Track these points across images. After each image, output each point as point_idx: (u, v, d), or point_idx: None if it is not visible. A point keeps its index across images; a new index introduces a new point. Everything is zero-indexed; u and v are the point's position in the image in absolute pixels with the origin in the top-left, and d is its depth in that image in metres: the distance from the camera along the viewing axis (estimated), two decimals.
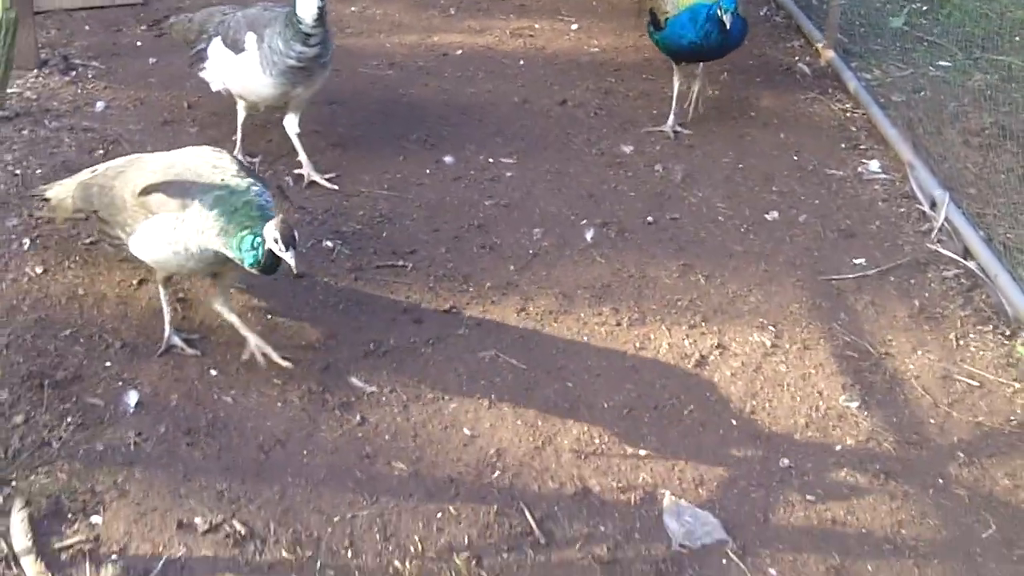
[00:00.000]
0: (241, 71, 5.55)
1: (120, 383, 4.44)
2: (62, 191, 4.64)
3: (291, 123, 5.73)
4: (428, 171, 5.86)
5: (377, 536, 3.95)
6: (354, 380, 4.47)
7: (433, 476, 4.09)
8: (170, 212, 4.18)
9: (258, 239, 4.11)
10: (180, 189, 4.24)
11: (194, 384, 4.45)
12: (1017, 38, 7.05)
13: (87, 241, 5.01)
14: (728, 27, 5.68)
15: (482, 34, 7.50)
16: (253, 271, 4.18)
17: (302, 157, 5.74)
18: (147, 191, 4.24)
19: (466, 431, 4.34)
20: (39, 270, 4.91)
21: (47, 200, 4.72)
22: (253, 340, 4.45)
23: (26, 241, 5.02)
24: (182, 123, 6.10)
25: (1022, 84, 6.59)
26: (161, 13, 6.93)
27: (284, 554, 3.84)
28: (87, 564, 3.77)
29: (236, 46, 5.54)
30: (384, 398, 4.42)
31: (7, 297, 4.75)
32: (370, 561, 3.85)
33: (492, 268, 5.20)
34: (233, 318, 4.49)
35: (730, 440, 4.44)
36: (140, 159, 4.51)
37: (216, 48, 5.67)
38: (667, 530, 4.08)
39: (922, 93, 6.64)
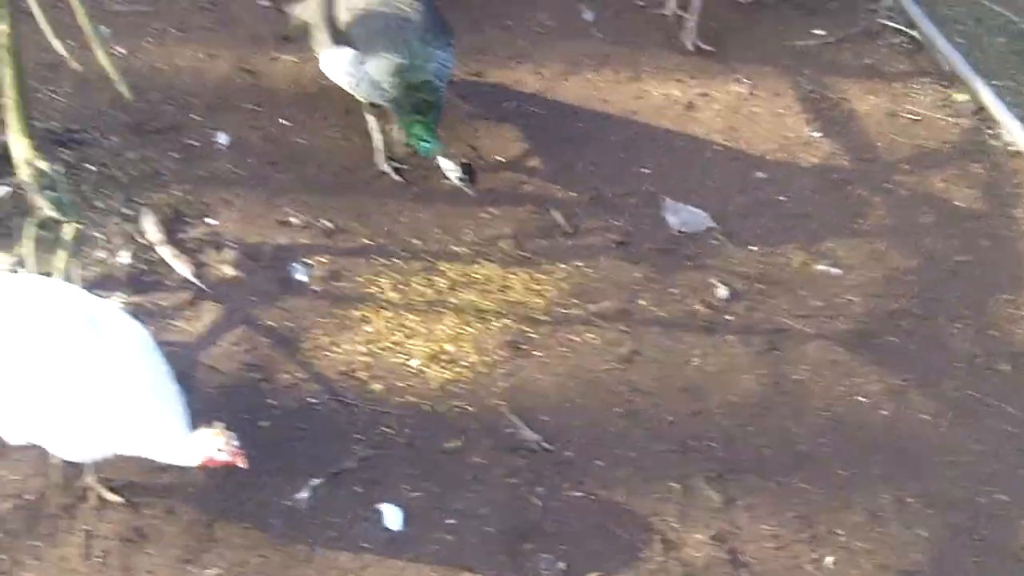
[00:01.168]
0: None
1: (209, 129, 5.47)
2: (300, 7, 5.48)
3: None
4: None
5: (437, 230, 5.04)
6: None
7: (475, 187, 5.16)
8: (352, 48, 4.99)
9: (426, 137, 4.89)
10: (369, 25, 4.98)
11: (271, 130, 5.49)
12: None
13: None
14: None
15: None
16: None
17: None
18: (343, 17, 5.04)
19: (496, 157, 5.39)
20: (123, 50, 5.89)
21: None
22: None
23: (105, 28, 5.89)
24: None
25: None
26: None
27: (365, 240, 4.93)
28: (211, 249, 4.83)
29: None
30: None
31: (97, 71, 5.73)
32: (432, 247, 4.95)
33: (509, 43, 6.23)
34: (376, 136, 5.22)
35: (715, 161, 5.56)
36: None
37: None
38: (667, 221, 5.20)
39: None
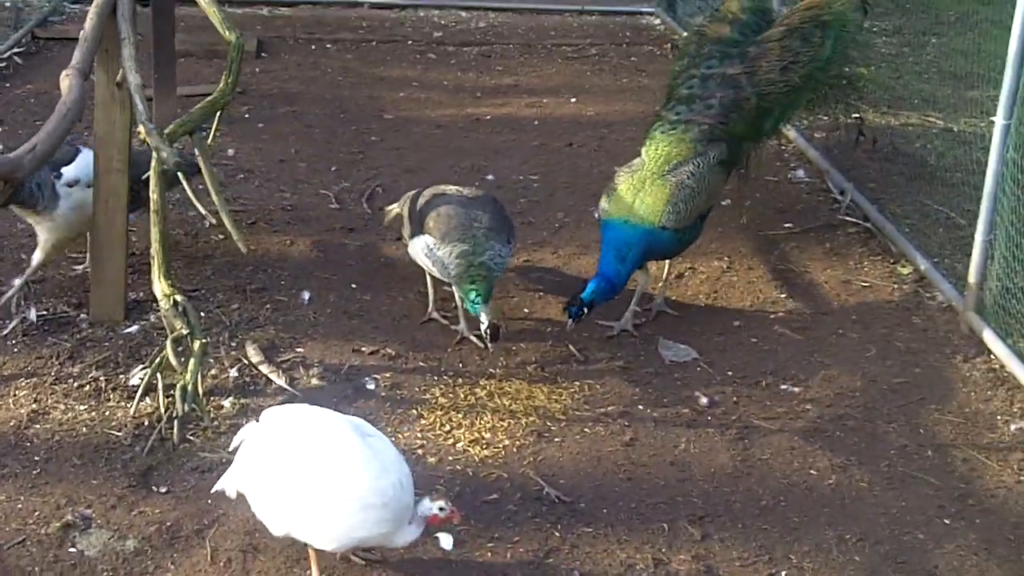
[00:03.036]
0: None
1: (294, 290, 7.12)
2: (397, 207, 7.15)
3: None
4: (476, 183, 8.60)
5: (477, 358, 6.59)
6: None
7: (495, 344, 6.75)
8: (432, 237, 6.44)
9: (477, 299, 6.29)
10: (445, 222, 6.45)
11: (343, 291, 7.14)
12: None
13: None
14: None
15: (503, 107, 10.37)
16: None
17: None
18: (426, 214, 6.69)
19: (526, 310, 7.00)
20: (221, 236, 7.60)
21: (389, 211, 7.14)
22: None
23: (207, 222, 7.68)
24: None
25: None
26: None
27: (420, 363, 6.48)
28: (301, 368, 6.40)
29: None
30: None
31: (202, 250, 7.44)
32: (472, 369, 6.49)
33: (532, 235, 7.94)
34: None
35: (700, 314, 7.13)
36: (436, 188, 6.73)
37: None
38: (661, 355, 6.74)
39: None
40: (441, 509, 4.81)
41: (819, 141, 9.30)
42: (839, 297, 7.28)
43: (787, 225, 8.13)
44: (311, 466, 4.60)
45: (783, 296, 7.25)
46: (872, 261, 7.69)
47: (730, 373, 6.54)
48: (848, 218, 8.21)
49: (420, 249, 6.57)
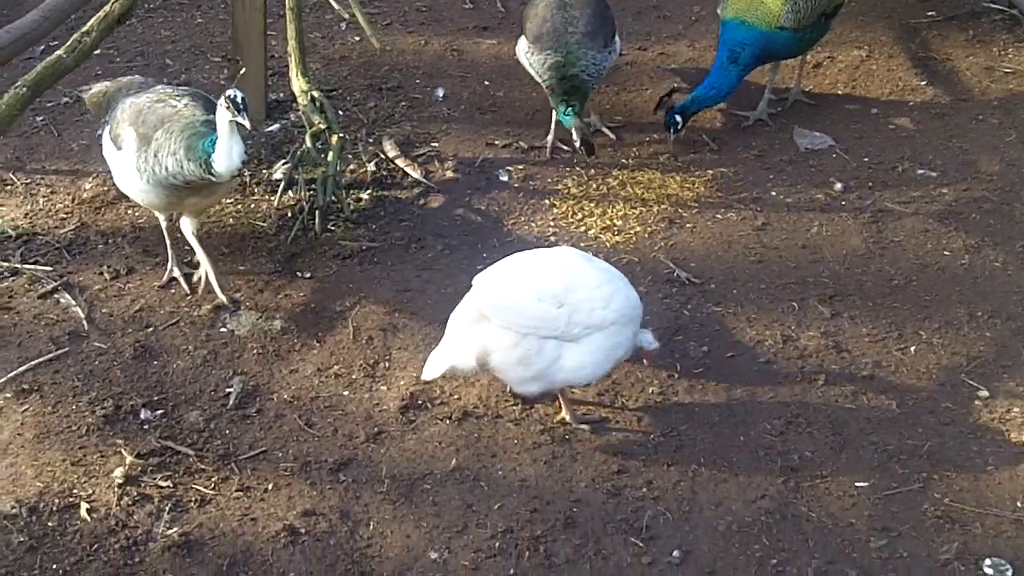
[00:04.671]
0: (119, 170, 5.35)
1: (429, 87, 7.29)
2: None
3: (186, 226, 5.52)
4: None
5: (609, 149, 6.72)
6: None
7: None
8: (526, 40, 6.35)
9: (569, 112, 6.10)
10: (539, 25, 6.27)
11: (476, 88, 7.29)
12: None
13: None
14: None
15: None
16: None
17: (201, 257, 5.63)
18: (527, 13, 6.49)
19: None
20: (357, 38, 7.78)
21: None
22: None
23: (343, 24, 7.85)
24: None
25: None
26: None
27: (553, 155, 6.64)
28: (436, 162, 6.61)
29: (117, 141, 5.27)
30: None
31: (339, 52, 7.64)
32: (605, 160, 6.62)
33: (667, 28, 7.95)
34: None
35: (837, 103, 7.14)
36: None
37: (104, 138, 5.44)
38: (796, 143, 6.79)
39: None
40: (652, 347, 4.91)
41: None
42: (980, 84, 7.21)
43: (930, 13, 8.02)
44: (568, 301, 4.53)
45: (922, 84, 7.21)
46: (1017, 48, 7.58)
47: (866, 160, 6.59)
48: (993, 5, 8.05)
49: (520, 51, 6.58)
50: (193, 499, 4.58)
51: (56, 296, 5.53)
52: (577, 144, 6.32)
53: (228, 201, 6.12)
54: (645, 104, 6.98)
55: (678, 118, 6.49)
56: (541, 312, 4.49)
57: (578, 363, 4.57)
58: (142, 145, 5.11)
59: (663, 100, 6.55)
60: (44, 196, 6.15)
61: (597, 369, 4.65)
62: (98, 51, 6.42)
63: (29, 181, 6.34)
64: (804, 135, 6.76)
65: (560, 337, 4.52)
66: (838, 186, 6.32)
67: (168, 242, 5.61)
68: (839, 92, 7.20)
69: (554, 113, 6.48)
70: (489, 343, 4.55)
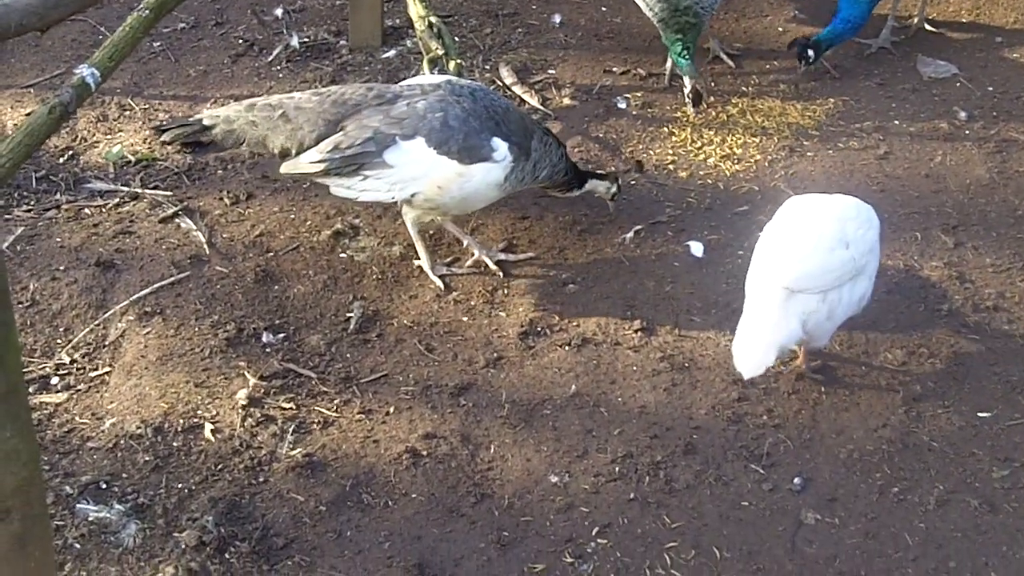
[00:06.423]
0: (471, 182, 5.07)
1: (546, 13, 7.29)
2: None
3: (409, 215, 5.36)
4: None
5: (730, 77, 6.68)
6: None
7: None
8: None
9: (684, 55, 6.12)
10: None
11: (593, 15, 7.28)
12: None
13: None
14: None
15: None
16: None
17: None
18: None
19: (779, 28, 6.99)
20: None
21: None
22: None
23: None
24: None
25: None
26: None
27: (672, 83, 6.62)
28: (553, 88, 6.62)
29: (472, 153, 5.02)
30: None
31: None
32: (725, 88, 6.58)
33: None
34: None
35: (960, 30, 7.03)
36: None
37: (417, 150, 5.02)
38: (919, 71, 6.71)
39: None
40: None
41: None
42: None
43: None
44: (849, 238, 4.68)
45: None
46: None
47: (991, 89, 6.51)
48: None
49: None
50: (316, 421, 4.68)
51: (177, 221, 5.65)
52: (687, 91, 6.28)
53: None
54: (765, 31, 6.93)
55: (811, 52, 6.41)
56: (840, 260, 4.55)
57: (860, 292, 4.66)
58: (522, 157, 5.12)
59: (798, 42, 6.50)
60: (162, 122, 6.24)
61: (869, 291, 4.70)
62: None
63: (147, 107, 6.44)
64: (927, 63, 6.67)
65: (854, 275, 4.60)
66: (962, 115, 6.25)
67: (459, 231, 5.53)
68: (963, 20, 7.09)
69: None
70: (802, 314, 4.56)
